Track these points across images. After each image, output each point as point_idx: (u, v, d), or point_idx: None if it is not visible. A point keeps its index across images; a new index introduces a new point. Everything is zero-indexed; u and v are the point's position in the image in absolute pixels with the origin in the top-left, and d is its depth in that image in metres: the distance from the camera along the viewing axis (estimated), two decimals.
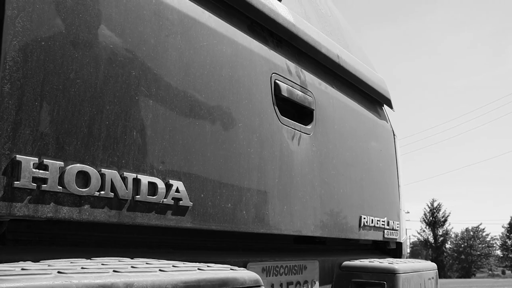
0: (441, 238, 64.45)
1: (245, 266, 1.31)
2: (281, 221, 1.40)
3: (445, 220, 63.92)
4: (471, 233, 64.75)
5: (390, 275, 1.65)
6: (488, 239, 64.83)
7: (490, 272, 64.75)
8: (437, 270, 2.03)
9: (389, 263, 1.70)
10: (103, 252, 0.97)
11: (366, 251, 2.09)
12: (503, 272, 65.03)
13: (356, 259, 1.78)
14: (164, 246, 1.17)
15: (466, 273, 61.42)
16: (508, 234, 63.63)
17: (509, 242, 63.60)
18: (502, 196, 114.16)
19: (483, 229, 65.18)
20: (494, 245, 65.42)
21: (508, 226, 63.42)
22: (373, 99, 2.22)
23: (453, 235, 65.99)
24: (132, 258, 0.96)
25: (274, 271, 1.42)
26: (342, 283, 1.70)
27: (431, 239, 64.33)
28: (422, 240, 64.53)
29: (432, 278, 1.94)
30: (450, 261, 64.66)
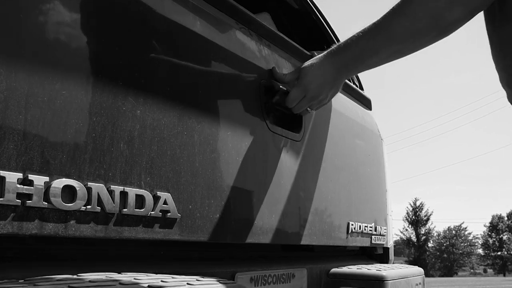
0: (424, 237, 65.10)
1: (233, 277, 1.29)
2: (270, 230, 1.39)
3: (428, 219, 64.62)
4: (453, 232, 65.48)
5: (379, 282, 1.64)
6: (470, 238, 65.64)
7: (472, 270, 65.51)
8: (424, 276, 2.03)
9: (377, 270, 1.70)
10: (90, 267, 0.95)
11: (354, 257, 2.09)
12: (485, 271, 65.85)
13: (344, 266, 1.78)
14: (152, 258, 1.15)
15: (448, 272, 62.04)
16: (489, 233, 64.50)
17: (490, 241, 64.47)
18: (484, 195, 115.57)
19: (465, 228, 66.04)
20: (476, 244, 66.25)
21: (489, 225, 64.29)
22: (361, 103, 2.22)
23: (435, 234, 66.71)
24: (119, 273, 0.94)
25: (263, 280, 1.41)
26: None
27: (413, 238, 64.92)
28: (405, 239, 65.09)
29: (420, 283, 1.94)
30: (433, 260, 65.26)
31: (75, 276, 0.85)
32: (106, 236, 0.94)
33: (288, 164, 1.51)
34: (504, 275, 57.79)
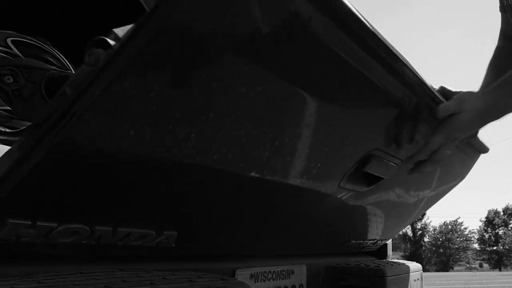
0: (420, 232, 65.25)
1: (233, 273, 1.30)
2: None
3: (424, 214, 64.68)
4: (449, 226, 65.67)
5: (378, 277, 1.65)
6: (466, 232, 65.86)
7: (468, 265, 65.74)
8: (422, 271, 2.04)
9: (376, 266, 1.70)
10: (91, 265, 0.95)
11: (352, 253, 2.09)
12: (481, 265, 66.15)
13: (343, 262, 1.78)
14: (152, 256, 1.14)
15: (444, 267, 62.23)
16: (485, 228, 64.76)
17: (486, 235, 64.74)
18: (480, 190, 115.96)
19: (461, 223, 66.23)
20: (472, 238, 66.50)
21: (485, 220, 64.51)
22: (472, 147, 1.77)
23: (431, 229, 66.88)
24: (122, 270, 0.94)
25: (262, 277, 1.41)
26: (330, 286, 1.70)
27: (409, 233, 65.10)
28: (401, 234, 65.19)
29: (418, 279, 1.95)
30: (429, 255, 65.41)
31: (77, 273, 0.85)
32: (92, 255, 0.95)
33: (337, 208, 1.44)
34: (500, 270, 58.06)
